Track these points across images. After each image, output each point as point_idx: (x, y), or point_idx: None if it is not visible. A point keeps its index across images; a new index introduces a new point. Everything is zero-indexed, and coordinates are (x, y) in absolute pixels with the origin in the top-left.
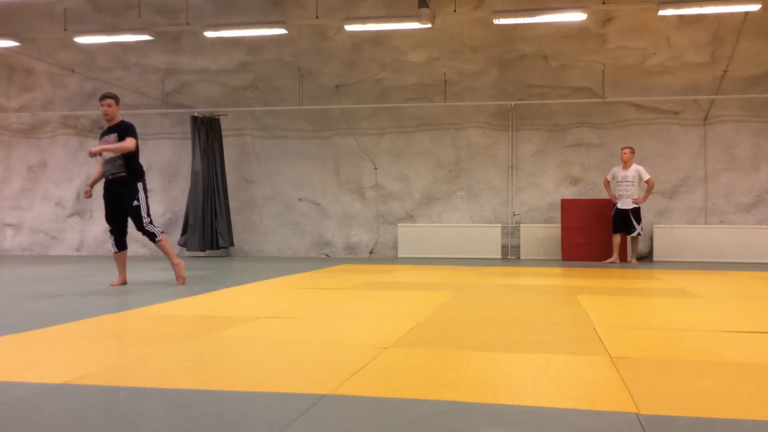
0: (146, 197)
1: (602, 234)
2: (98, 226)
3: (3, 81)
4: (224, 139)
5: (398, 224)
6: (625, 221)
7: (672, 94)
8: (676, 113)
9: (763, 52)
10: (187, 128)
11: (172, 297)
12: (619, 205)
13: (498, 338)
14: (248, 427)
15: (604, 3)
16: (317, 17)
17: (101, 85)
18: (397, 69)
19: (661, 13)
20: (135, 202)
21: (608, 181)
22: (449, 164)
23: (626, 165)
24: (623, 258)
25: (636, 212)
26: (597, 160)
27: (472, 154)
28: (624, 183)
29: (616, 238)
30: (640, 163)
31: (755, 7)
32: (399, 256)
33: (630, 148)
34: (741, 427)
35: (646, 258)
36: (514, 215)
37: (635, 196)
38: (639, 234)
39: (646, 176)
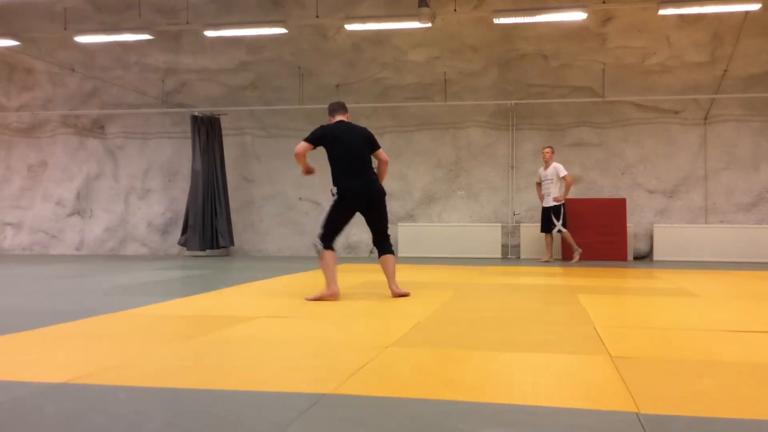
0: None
1: (602, 234)
2: (98, 225)
3: (3, 80)
4: (224, 139)
5: (398, 224)
6: (546, 219)
7: (672, 93)
8: (676, 113)
9: (763, 52)
10: (187, 127)
11: (171, 297)
12: (544, 204)
13: (498, 338)
14: (248, 427)
15: (604, 2)
16: (317, 16)
17: (101, 84)
18: (398, 68)
19: (661, 12)
20: None
21: (538, 183)
22: (449, 164)
23: (547, 164)
24: (550, 256)
25: (556, 210)
26: (597, 160)
27: (472, 154)
28: (545, 182)
29: (547, 238)
30: (640, 163)
31: (755, 7)
32: (399, 255)
33: (550, 147)
34: (741, 427)
35: (646, 257)
36: (514, 215)
37: (555, 194)
38: (560, 231)
39: (563, 173)
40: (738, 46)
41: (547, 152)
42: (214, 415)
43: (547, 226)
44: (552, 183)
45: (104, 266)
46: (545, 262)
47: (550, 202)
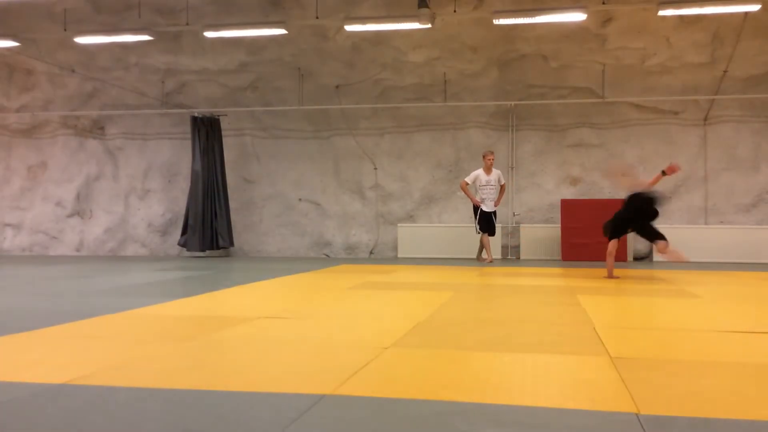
0: None
1: (602, 234)
2: (98, 226)
3: (3, 81)
4: (224, 140)
5: (398, 224)
6: (491, 222)
7: (672, 94)
8: (676, 113)
9: (763, 52)
10: (187, 128)
11: (172, 298)
12: (485, 208)
13: (498, 338)
14: (248, 427)
15: (604, 3)
16: (317, 17)
17: (101, 85)
18: (397, 69)
19: (661, 13)
20: None
21: (467, 184)
22: (449, 164)
23: (490, 170)
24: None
25: (494, 214)
26: (597, 160)
27: (472, 154)
28: (488, 187)
29: (486, 239)
30: (640, 164)
31: (755, 7)
32: (399, 256)
33: (493, 152)
34: (741, 427)
35: (645, 258)
36: (514, 215)
37: (496, 199)
38: (480, 233)
39: (503, 181)
40: (738, 47)
41: (492, 158)
42: (215, 415)
43: (488, 228)
44: (494, 189)
45: (104, 267)
46: (489, 262)
47: (492, 206)
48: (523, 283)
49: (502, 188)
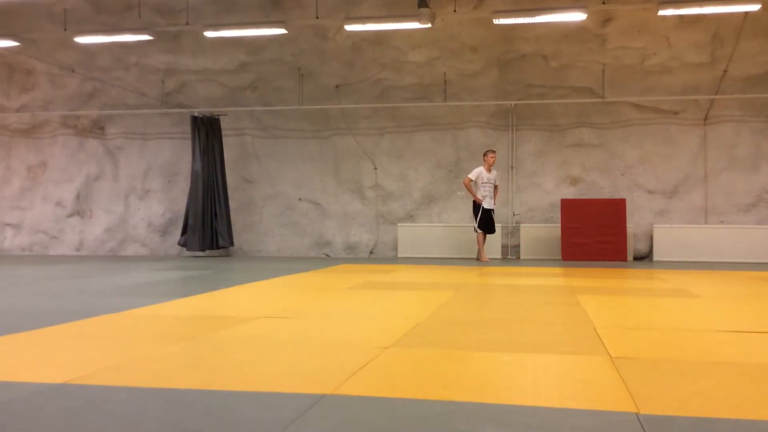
0: None
1: (602, 234)
2: (98, 226)
3: (3, 81)
4: (224, 139)
5: (398, 224)
6: (491, 220)
7: (672, 94)
8: (676, 113)
9: (763, 52)
10: (187, 128)
11: (171, 297)
12: (486, 206)
13: (498, 338)
14: (248, 427)
15: (604, 3)
16: (317, 17)
17: (101, 85)
18: (397, 69)
19: (661, 13)
20: None
21: (471, 181)
22: (449, 164)
23: (491, 168)
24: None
25: (493, 212)
26: (597, 160)
27: (472, 154)
28: (488, 184)
29: (481, 238)
30: (640, 164)
31: (755, 7)
32: (399, 256)
33: (495, 151)
34: (741, 427)
35: (646, 258)
36: (514, 215)
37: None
38: (477, 231)
39: (499, 181)
40: (738, 47)
41: (494, 157)
42: (214, 415)
43: (491, 226)
44: (493, 186)
45: (104, 267)
46: (485, 262)
47: (491, 204)
48: (523, 283)
49: (495, 188)
